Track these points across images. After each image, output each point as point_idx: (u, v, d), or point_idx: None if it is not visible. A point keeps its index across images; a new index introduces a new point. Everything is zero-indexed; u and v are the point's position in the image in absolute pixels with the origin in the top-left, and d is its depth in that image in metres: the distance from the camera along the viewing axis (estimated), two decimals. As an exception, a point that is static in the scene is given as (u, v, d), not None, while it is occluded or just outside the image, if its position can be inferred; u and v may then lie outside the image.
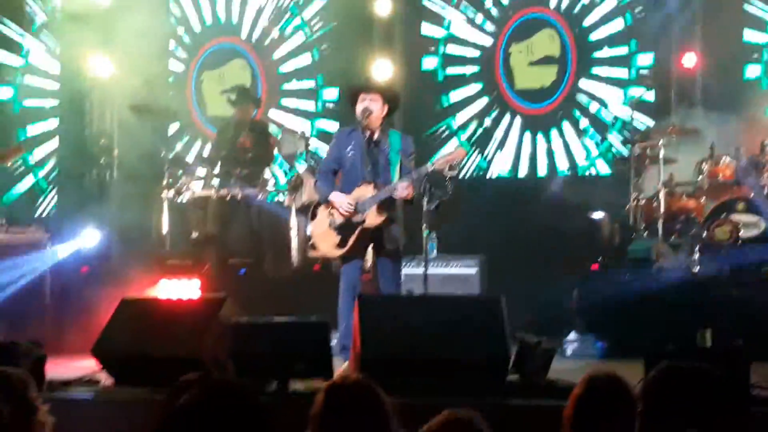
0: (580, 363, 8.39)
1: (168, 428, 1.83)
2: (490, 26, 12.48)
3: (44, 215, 12.82)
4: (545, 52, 12.28)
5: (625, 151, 11.19)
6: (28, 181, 13.00)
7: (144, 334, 7.00)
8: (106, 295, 8.97)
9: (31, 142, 12.93)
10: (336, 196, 7.90)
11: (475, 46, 12.52)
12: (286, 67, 13.02)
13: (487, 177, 12.35)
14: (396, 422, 4.01)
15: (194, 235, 10.99)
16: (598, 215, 10.44)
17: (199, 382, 3.36)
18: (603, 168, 11.94)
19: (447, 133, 12.51)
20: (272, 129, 11.70)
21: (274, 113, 12.85)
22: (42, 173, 13.05)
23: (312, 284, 9.83)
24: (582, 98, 12.11)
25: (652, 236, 10.05)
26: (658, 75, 11.72)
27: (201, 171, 11.28)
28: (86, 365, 7.28)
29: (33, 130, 13.04)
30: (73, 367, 7.54)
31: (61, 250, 10.27)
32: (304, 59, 12.95)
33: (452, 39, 12.58)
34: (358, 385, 4.05)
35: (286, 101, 13.02)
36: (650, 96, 11.53)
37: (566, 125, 12.14)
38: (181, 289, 9.14)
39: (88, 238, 10.93)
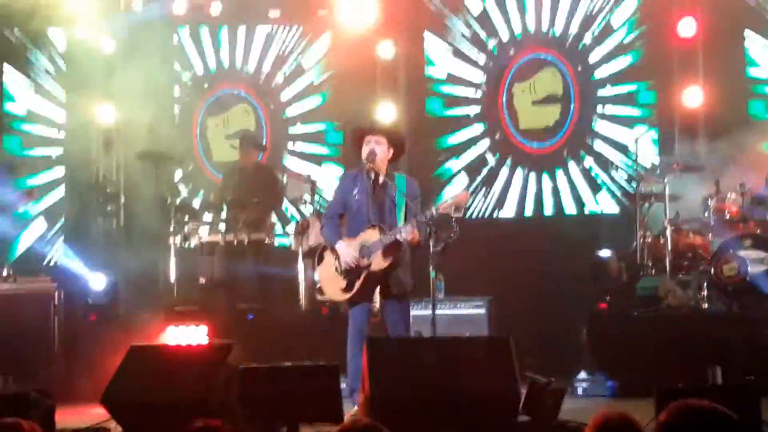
0: (591, 402, 8.37)
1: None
2: (492, 67, 12.54)
3: (51, 264, 12.81)
4: (548, 90, 12.33)
5: (630, 189, 11.19)
6: (35, 231, 13.00)
7: (152, 382, 6.98)
8: (114, 343, 8.95)
9: (38, 192, 12.98)
10: (341, 247, 7.89)
11: (477, 86, 12.58)
12: (292, 111, 13.08)
13: (494, 217, 12.35)
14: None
15: (202, 280, 11.01)
16: (605, 254, 10.43)
17: (213, 430, 3.36)
18: (609, 206, 11.95)
19: (452, 174, 12.53)
20: (278, 173, 11.72)
21: (279, 157, 12.89)
22: (49, 222, 13.06)
23: (320, 328, 9.82)
24: (586, 137, 12.14)
25: (659, 274, 10.04)
26: (662, 112, 11.76)
27: (208, 217, 11.31)
28: (96, 413, 7.25)
29: (39, 179, 13.06)
30: (83, 415, 7.51)
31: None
32: (311, 103, 13.00)
33: (454, 80, 12.63)
34: (369, 429, 4.04)
35: (292, 145, 13.06)
36: (654, 133, 11.57)
37: (571, 164, 12.16)
38: (189, 335, 9.13)
39: (95, 284, 10.93)
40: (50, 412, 6.77)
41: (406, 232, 7.66)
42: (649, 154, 11.49)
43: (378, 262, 7.76)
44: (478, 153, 12.55)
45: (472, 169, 12.52)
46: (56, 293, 10.00)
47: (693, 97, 11.44)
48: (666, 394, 5.68)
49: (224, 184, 11.50)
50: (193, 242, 10.91)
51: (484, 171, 12.49)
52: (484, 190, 12.40)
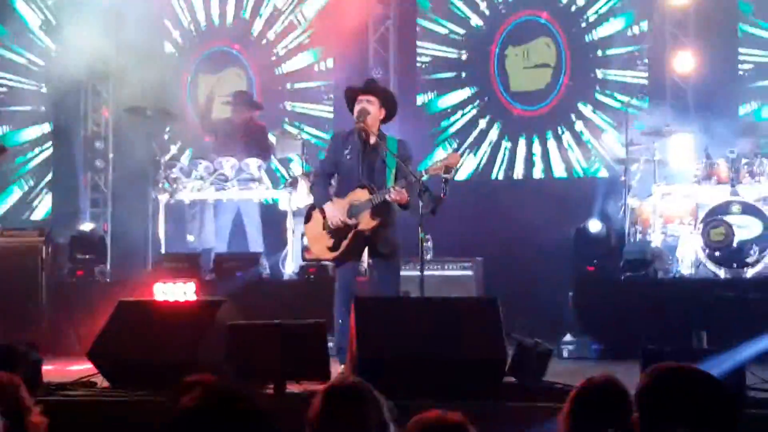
0: (577, 365, 8.42)
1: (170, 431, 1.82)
2: (484, 28, 12.49)
3: (39, 219, 12.79)
4: (541, 59, 12.29)
5: (619, 153, 11.20)
6: (21, 186, 12.98)
7: (140, 338, 7.00)
8: (101, 298, 8.97)
9: (26, 147, 12.94)
10: (328, 208, 7.89)
11: (468, 48, 12.53)
12: (284, 69, 13.01)
13: (483, 180, 12.34)
14: (393, 424, 4.02)
15: (190, 237, 11.01)
16: (593, 219, 10.43)
17: (200, 386, 3.37)
18: (598, 170, 11.96)
19: (442, 136, 12.52)
20: (268, 131, 11.69)
21: (271, 116, 12.84)
22: (37, 177, 13.04)
23: (308, 287, 9.83)
24: (577, 100, 12.12)
25: (647, 238, 10.07)
26: (654, 76, 11.75)
27: (197, 173, 11.27)
28: (83, 368, 7.27)
29: (26, 134, 13.01)
30: (70, 370, 7.53)
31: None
32: (303, 60, 12.94)
33: (446, 41, 12.58)
34: (356, 387, 4.05)
35: (283, 104, 13.01)
36: (645, 98, 11.57)
37: (561, 128, 12.15)
38: (178, 292, 9.13)
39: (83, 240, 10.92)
40: (37, 365, 6.77)
41: (395, 193, 7.66)
42: (639, 119, 11.48)
43: (366, 222, 7.76)
44: (469, 115, 12.52)
45: (462, 131, 12.50)
46: (43, 248, 9.99)
47: (684, 61, 11.42)
48: (651, 357, 5.72)
49: (216, 142, 11.49)
50: (182, 199, 10.89)
51: (474, 133, 12.47)
52: (473, 152, 12.39)
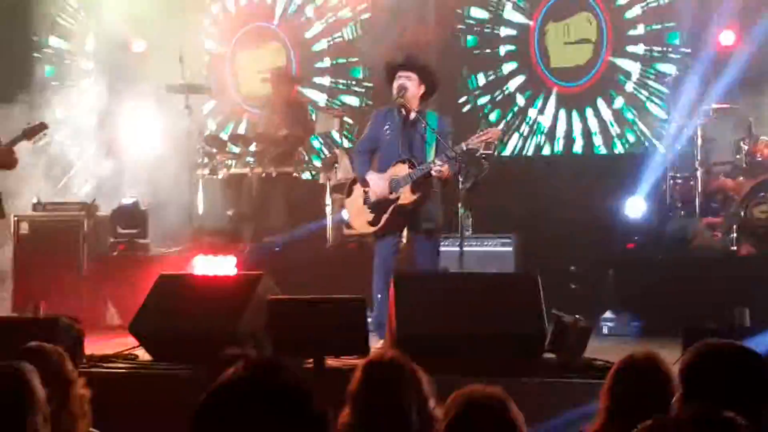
0: (616, 342, 8.38)
1: (212, 403, 1.82)
2: (524, 4, 12.40)
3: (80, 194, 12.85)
4: (582, 35, 12.18)
5: (662, 130, 11.09)
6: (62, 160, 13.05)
7: (181, 311, 7.04)
8: (142, 272, 9.03)
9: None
10: (371, 178, 7.89)
11: (510, 24, 12.45)
12: (322, 45, 13.00)
13: (523, 155, 12.29)
14: (433, 399, 4.03)
15: (229, 213, 11.05)
16: (635, 196, 10.36)
17: (243, 358, 3.38)
18: (640, 147, 11.86)
19: (482, 112, 12.47)
20: (309, 107, 11.69)
21: (309, 92, 12.84)
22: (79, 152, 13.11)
23: (347, 262, 9.84)
24: (618, 76, 12.02)
25: (689, 215, 9.99)
26: (697, 52, 11.62)
27: (236, 149, 11.31)
28: (124, 341, 7.32)
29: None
30: (112, 342, 7.59)
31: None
32: (342, 36, 12.91)
33: (489, 18, 12.51)
34: (396, 361, 4.06)
35: (321, 80, 13.00)
36: (688, 74, 11.44)
37: (602, 103, 12.06)
38: (218, 266, 9.17)
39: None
40: (79, 338, 6.84)
41: (435, 167, 7.64)
42: (681, 95, 11.36)
43: (406, 196, 7.76)
44: (509, 91, 12.46)
45: (503, 107, 12.44)
46: (85, 222, 10.06)
47: (728, 37, 11.28)
48: (693, 334, 5.67)
49: (256, 118, 11.51)
50: (221, 174, 10.92)
51: (514, 109, 12.41)
52: (513, 128, 12.33)
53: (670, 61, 11.72)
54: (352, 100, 12.78)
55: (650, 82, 11.84)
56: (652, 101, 11.80)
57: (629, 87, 11.96)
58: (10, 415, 3.39)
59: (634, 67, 11.97)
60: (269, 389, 1.84)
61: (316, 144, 12.33)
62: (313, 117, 11.53)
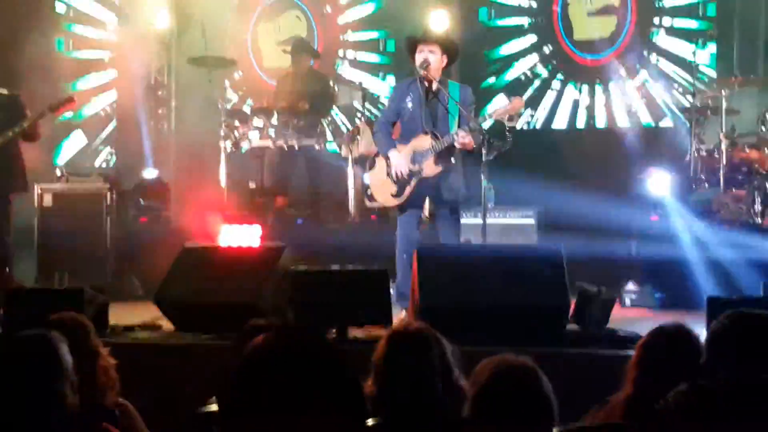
0: (639, 313, 8.36)
1: (246, 371, 1.83)
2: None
3: (103, 166, 12.91)
4: (605, 1, 12.11)
5: (686, 102, 11.03)
6: (84, 133, 13.09)
7: (204, 282, 7.05)
8: (165, 244, 9.05)
9: (89, 93, 13.02)
10: (393, 154, 7.87)
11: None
12: (345, 18, 12.97)
13: (545, 128, 12.25)
14: (458, 369, 4.03)
15: (252, 185, 11.05)
16: (657, 166, 10.31)
17: (267, 328, 3.39)
18: (663, 119, 11.80)
19: (504, 84, 12.42)
20: (330, 80, 11.67)
21: (332, 65, 12.82)
22: (100, 125, 13.14)
23: (369, 234, 9.84)
24: (642, 49, 11.95)
25: (713, 187, 9.93)
26: (722, 25, 11.53)
27: (258, 122, 11.30)
28: (148, 312, 7.35)
29: (89, 81, 13.09)
30: (135, 313, 7.62)
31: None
32: (364, 10, 12.88)
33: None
34: (421, 332, 4.06)
35: (344, 53, 12.98)
36: (713, 46, 11.36)
37: (625, 76, 11.99)
38: (242, 236, 9.18)
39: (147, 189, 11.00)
40: (103, 308, 6.88)
41: (459, 138, 7.62)
42: (706, 67, 11.29)
43: (430, 168, 7.74)
44: (531, 64, 12.40)
45: (525, 80, 12.40)
46: (108, 194, 10.09)
47: (751, 7, 11.18)
48: (718, 305, 5.65)
49: (276, 90, 11.48)
50: (243, 147, 10.93)
51: (537, 82, 12.36)
52: (536, 101, 12.28)
53: (695, 32, 11.64)
54: (375, 72, 12.76)
55: (675, 53, 11.76)
56: (676, 73, 11.73)
57: (653, 58, 11.89)
58: (39, 382, 3.41)
59: (658, 39, 11.89)
60: (303, 356, 1.84)
61: (337, 117, 12.32)
62: (335, 89, 11.50)
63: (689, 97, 10.74)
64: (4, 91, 8.93)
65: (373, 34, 12.86)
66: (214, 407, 4.18)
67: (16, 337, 3.54)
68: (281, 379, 1.80)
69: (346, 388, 1.85)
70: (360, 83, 11.48)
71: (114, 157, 13.01)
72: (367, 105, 11.54)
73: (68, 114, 12.03)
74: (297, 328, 1.90)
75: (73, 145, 12.96)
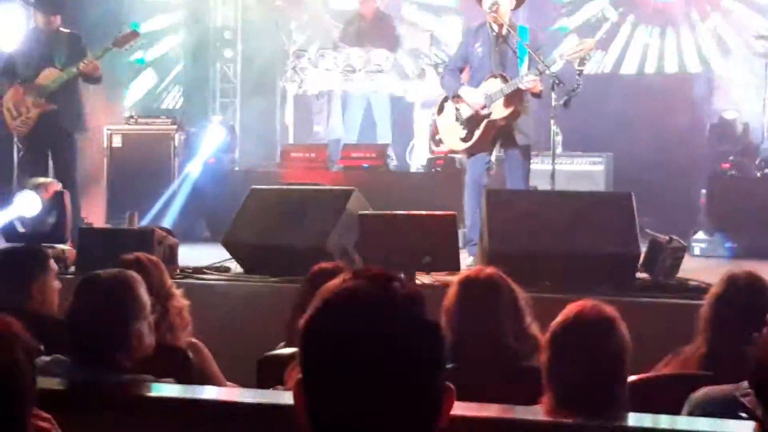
0: (709, 262, 8.26)
1: (323, 314, 1.80)
2: None
3: (171, 108, 12.95)
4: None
5: (759, 49, 10.79)
6: (152, 75, 13.12)
7: (272, 225, 7.07)
8: (232, 187, 9.09)
9: (155, 35, 13.04)
10: (465, 91, 7.80)
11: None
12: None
13: (614, 73, 12.07)
14: (530, 316, 4.00)
15: (318, 128, 11.04)
16: (730, 114, 10.14)
17: (339, 270, 3.38)
18: (736, 67, 11.56)
19: (572, 27, 12.25)
20: (397, 23, 11.58)
21: (398, 8, 12.70)
22: (166, 67, 13.16)
23: (436, 178, 9.80)
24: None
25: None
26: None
27: (324, 64, 11.26)
28: (216, 253, 7.39)
29: (156, 23, 13.09)
30: (204, 254, 7.67)
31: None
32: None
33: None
34: (493, 278, 4.03)
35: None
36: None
37: (698, 21, 11.75)
38: (306, 179, 9.17)
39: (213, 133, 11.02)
40: (173, 249, 6.92)
41: (528, 81, 7.52)
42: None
43: (499, 111, 7.66)
44: (600, 7, 12.20)
45: (594, 23, 12.21)
46: (176, 135, 10.14)
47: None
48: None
49: (343, 31, 11.42)
50: (310, 90, 10.90)
51: (605, 26, 12.16)
52: (605, 45, 12.09)
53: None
54: (443, 14, 12.64)
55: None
56: (750, 18, 11.48)
57: (727, 3, 11.64)
58: (117, 319, 3.44)
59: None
60: (382, 299, 1.81)
61: (405, 60, 12.22)
62: (402, 33, 11.41)
63: (762, 43, 10.49)
64: (67, 30, 8.93)
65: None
66: (283, 351, 4.19)
67: (95, 276, 3.57)
68: (361, 323, 1.77)
69: (428, 333, 1.83)
70: (426, 27, 11.37)
71: (182, 99, 13.05)
72: (432, 49, 11.43)
73: (138, 56, 12.04)
74: (378, 271, 1.86)
75: (140, 86, 13.00)
